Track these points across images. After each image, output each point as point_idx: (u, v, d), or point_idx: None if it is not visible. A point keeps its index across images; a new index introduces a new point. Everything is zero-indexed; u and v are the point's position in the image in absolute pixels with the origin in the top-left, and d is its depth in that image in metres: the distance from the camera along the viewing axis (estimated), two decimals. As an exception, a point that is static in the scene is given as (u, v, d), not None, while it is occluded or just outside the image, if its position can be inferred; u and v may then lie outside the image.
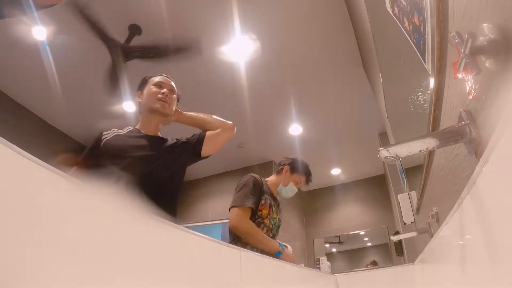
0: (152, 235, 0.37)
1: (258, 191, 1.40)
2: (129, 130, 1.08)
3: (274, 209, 1.48)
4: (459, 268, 0.48)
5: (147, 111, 1.07)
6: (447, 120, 0.61)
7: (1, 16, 0.64)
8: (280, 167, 1.59)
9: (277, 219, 1.52)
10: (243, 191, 1.36)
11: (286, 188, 1.54)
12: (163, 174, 1.01)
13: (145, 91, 1.12)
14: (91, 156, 0.99)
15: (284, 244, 1.39)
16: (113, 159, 0.92)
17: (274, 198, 1.51)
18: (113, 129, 1.04)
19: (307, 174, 1.61)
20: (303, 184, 1.60)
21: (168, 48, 2.42)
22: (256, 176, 1.46)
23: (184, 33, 2.45)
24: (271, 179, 1.57)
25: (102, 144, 0.98)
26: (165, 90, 1.10)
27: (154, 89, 1.10)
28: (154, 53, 2.44)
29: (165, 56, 2.47)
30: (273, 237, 1.48)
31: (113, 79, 2.48)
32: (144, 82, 1.15)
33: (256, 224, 1.36)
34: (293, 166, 1.57)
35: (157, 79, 1.13)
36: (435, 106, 0.68)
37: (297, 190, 1.57)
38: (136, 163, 0.95)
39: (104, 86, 2.52)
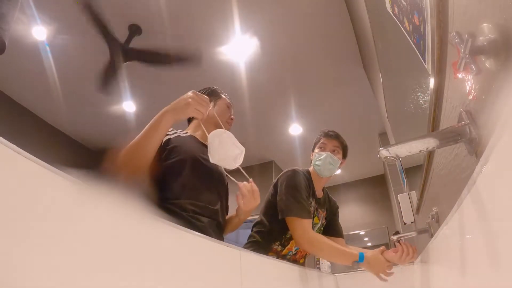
0: (152, 235, 0.37)
1: (309, 194, 1.25)
2: (187, 134, 1.04)
3: (316, 212, 1.30)
4: (459, 268, 0.48)
5: (213, 124, 1.03)
6: (447, 120, 0.61)
7: None
8: (311, 159, 1.39)
9: (319, 224, 1.33)
10: (297, 197, 1.17)
11: (312, 162, 1.32)
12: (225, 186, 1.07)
13: (219, 105, 1.10)
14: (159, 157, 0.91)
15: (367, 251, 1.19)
16: (186, 161, 0.91)
17: (317, 199, 1.31)
18: (172, 130, 0.98)
19: (322, 132, 1.37)
20: (327, 141, 1.32)
21: (168, 55, 2.44)
22: (305, 174, 1.28)
23: (184, 33, 2.45)
24: (312, 172, 1.34)
25: (164, 141, 0.92)
26: (233, 116, 1.12)
27: (227, 109, 1.11)
28: (154, 58, 2.46)
29: (164, 63, 2.50)
30: None
31: (108, 77, 2.50)
32: (216, 93, 1.12)
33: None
34: (314, 146, 1.38)
35: (228, 100, 1.13)
36: (435, 106, 0.68)
37: (325, 154, 1.28)
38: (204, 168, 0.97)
39: (98, 83, 2.53)
